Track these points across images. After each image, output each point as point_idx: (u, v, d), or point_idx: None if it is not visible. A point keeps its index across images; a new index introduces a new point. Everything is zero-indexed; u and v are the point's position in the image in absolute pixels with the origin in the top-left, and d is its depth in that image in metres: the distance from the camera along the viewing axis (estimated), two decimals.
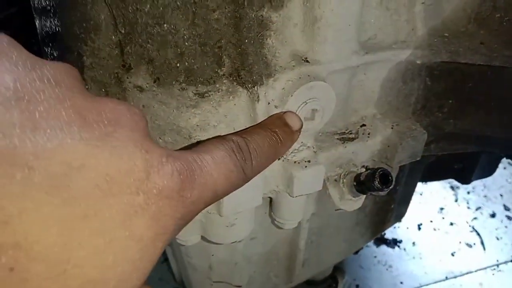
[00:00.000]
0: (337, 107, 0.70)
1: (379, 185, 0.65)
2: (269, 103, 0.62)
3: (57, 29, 0.53)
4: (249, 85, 0.59)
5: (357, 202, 0.75)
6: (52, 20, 0.52)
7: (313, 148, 0.69)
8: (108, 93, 0.59)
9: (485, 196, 2.00)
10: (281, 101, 0.62)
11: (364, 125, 0.76)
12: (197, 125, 0.61)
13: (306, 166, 0.66)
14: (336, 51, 0.65)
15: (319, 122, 0.67)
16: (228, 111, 0.61)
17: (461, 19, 0.80)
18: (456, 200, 1.98)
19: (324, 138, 0.74)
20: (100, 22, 0.54)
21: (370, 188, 0.67)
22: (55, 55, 0.54)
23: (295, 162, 0.66)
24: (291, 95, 0.62)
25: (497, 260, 1.71)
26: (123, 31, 0.56)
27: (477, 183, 2.04)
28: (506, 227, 1.85)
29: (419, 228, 1.85)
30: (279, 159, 0.67)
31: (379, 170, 0.65)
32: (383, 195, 0.79)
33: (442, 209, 1.93)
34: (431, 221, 1.87)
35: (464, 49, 0.76)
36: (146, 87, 0.59)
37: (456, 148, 0.88)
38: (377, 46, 0.70)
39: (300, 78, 0.63)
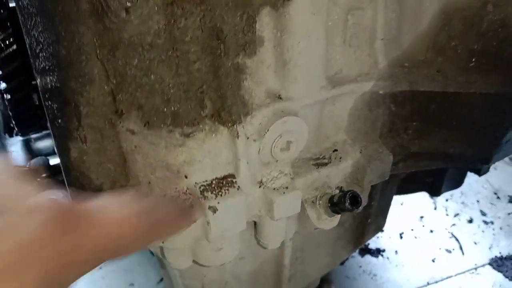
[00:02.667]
0: (310, 135, 0.77)
1: (349, 207, 0.72)
2: (248, 138, 0.69)
3: (56, 85, 0.59)
4: (229, 124, 0.67)
5: (333, 220, 0.82)
6: (51, 78, 0.58)
7: (290, 174, 0.76)
8: (103, 136, 0.65)
9: (462, 203, 2.09)
10: (259, 135, 0.70)
11: (336, 150, 0.84)
12: (185, 161, 0.68)
13: (284, 192, 0.73)
14: (306, 88, 0.72)
15: (294, 151, 0.74)
16: (212, 148, 0.68)
17: (420, 49, 0.87)
18: (435, 208, 2.06)
19: (300, 164, 0.81)
20: (94, 76, 0.61)
21: (342, 208, 0.75)
22: (55, 108, 0.60)
23: (274, 189, 0.74)
24: (268, 130, 0.69)
25: (475, 264, 1.79)
26: (114, 82, 0.62)
27: (455, 191, 2.13)
28: (483, 231, 1.94)
29: (401, 237, 1.92)
30: (259, 186, 0.74)
31: (349, 193, 0.73)
32: (358, 212, 0.87)
33: (422, 217, 2.02)
34: (412, 230, 1.95)
35: (422, 78, 0.84)
36: (138, 130, 0.65)
37: (422, 165, 0.96)
38: (343, 79, 0.78)
39: (274, 114, 0.70)
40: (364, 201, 0.86)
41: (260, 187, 0.74)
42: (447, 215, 2.04)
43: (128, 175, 0.69)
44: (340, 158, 0.82)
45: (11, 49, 0.68)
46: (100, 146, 0.65)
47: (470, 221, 2.01)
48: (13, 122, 0.77)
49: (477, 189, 2.17)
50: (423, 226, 1.98)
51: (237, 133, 0.67)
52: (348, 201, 0.72)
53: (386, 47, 0.81)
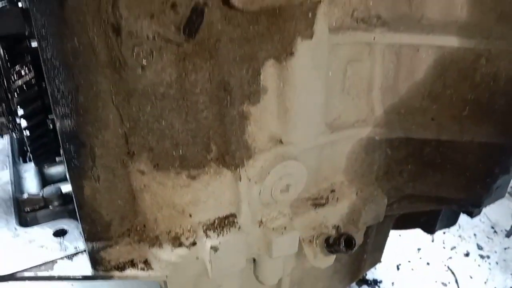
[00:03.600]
0: (309, 176, 0.81)
1: (344, 249, 0.76)
2: (250, 180, 0.74)
3: (73, 129, 0.64)
4: (233, 167, 0.71)
5: (329, 259, 0.86)
6: (69, 122, 0.63)
7: (289, 215, 0.80)
8: (115, 176, 0.70)
9: (459, 236, 2.12)
10: (260, 178, 0.74)
11: (333, 190, 0.88)
12: (190, 201, 0.72)
13: (282, 233, 0.77)
14: (305, 134, 0.77)
15: (293, 193, 0.78)
16: (216, 189, 0.72)
17: (416, 97, 0.91)
18: (432, 241, 2.09)
19: (298, 204, 0.85)
20: (109, 121, 0.66)
21: (337, 250, 0.79)
22: (72, 149, 0.65)
23: (273, 229, 0.78)
24: (269, 173, 0.74)
25: None
26: (128, 126, 0.67)
27: None
28: (479, 265, 1.97)
29: (398, 268, 1.95)
30: (259, 226, 0.78)
31: (343, 236, 0.77)
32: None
33: (419, 249, 2.04)
34: (409, 261, 1.98)
35: (417, 126, 0.88)
36: (147, 171, 0.70)
37: (416, 207, 1.00)
38: (341, 125, 0.82)
39: (275, 158, 0.74)
40: (360, 240, 0.89)
41: (260, 226, 0.78)
42: (444, 248, 2.06)
43: (136, 212, 0.73)
44: (337, 199, 0.86)
45: (32, 91, 0.73)
46: (112, 185, 0.70)
47: (467, 254, 2.03)
48: (31, 156, 0.82)
49: (475, 223, 2.20)
50: (420, 258, 2.01)
51: (240, 176, 0.72)
52: (343, 243, 0.76)
53: (383, 96, 0.86)
